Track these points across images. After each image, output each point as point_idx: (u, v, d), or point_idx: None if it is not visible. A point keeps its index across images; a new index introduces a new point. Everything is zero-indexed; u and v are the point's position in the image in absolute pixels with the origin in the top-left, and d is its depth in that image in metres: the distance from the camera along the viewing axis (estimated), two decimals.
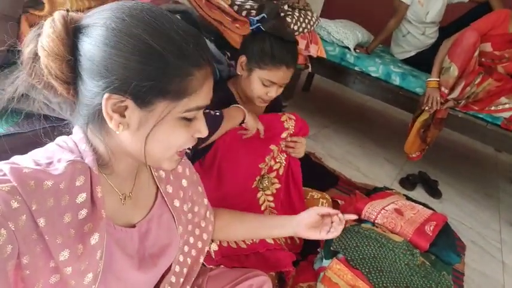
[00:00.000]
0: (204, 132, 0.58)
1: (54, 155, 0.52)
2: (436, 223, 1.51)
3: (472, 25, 2.01)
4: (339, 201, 1.66)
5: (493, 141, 2.19)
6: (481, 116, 2.13)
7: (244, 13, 1.58)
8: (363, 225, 1.43)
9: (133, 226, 0.63)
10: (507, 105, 2.02)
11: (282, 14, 1.70)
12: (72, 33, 0.50)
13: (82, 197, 0.51)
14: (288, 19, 1.71)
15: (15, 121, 0.90)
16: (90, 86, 0.50)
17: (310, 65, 2.16)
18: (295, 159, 1.39)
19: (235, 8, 1.58)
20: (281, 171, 1.35)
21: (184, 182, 0.78)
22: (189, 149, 1.02)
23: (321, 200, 1.48)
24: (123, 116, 0.51)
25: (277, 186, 1.36)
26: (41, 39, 0.49)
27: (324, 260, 1.25)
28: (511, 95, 2.02)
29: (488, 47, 2.03)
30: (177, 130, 0.54)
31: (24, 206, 0.45)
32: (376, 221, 1.47)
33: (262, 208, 1.33)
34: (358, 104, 3.72)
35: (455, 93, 2.05)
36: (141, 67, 0.48)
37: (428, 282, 1.19)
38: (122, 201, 0.62)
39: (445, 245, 1.49)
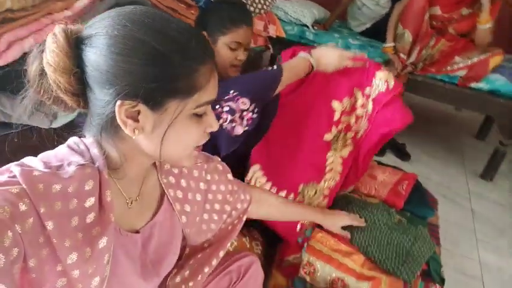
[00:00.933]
0: (214, 126, 0.59)
1: (65, 157, 0.53)
2: (407, 182, 1.58)
3: None
4: None
5: (452, 100, 2.30)
6: (438, 77, 2.22)
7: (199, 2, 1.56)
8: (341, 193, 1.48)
9: (137, 231, 0.64)
10: (461, 64, 2.12)
11: None
12: (75, 45, 0.50)
13: (90, 201, 0.52)
14: (244, 0, 1.70)
15: None
16: (101, 96, 0.51)
17: (271, 46, 2.17)
18: (379, 130, 1.32)
19: None
20: (359, 135, 1.34)
21: (201, 185, 0.78)
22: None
23: None
24: (136, 120, 0.52)
25: (350, 148, 1.36)
26: (45, 56, 0.49)
27: (306, 231, 1.28)
28: (464, 54, 2.12)
29: (437, 10, 2.11)
30: (190, 127, 0.56)
31: (32, 209, 0.45)
32: None
33: (327, 177, 1.32)
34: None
35: (413, 58, 2.12)
36: (148, 70, 0.49)
37: (407, 237, 1.24)
38: (128, 205, 0.62)
39: (418, 201, 1.56)
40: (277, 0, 2.52)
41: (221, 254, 0.84)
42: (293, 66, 1.13)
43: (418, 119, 3.13)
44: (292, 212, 1.06)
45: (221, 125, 1.01)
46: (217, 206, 0.82)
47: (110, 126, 0.53)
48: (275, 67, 1.09)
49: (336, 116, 1.32)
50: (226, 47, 1.20)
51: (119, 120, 0.51)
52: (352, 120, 1.35)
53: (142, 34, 0.49)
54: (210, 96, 0.56)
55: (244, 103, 1.01)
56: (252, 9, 1.77)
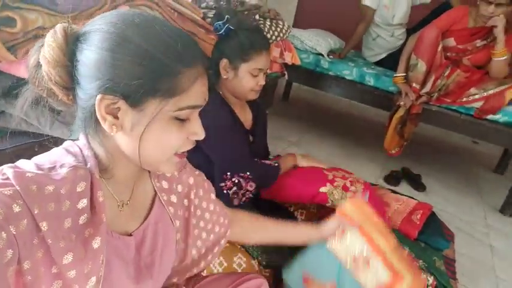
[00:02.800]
0: (200, 134, 0.58)
1: (58, 159, 0.53)
2: (422, 212, 1.55)
3: (433, 22, 2.11)
4: None
5: (468, 131, 2.26)
6: (454, 108, 2.21)
7: (219, 30, 1.63)
8: None
9: (130, 235, 0.63)
10: (477, 96, 2.11)
11: (254, 23, 1.75)
12: (72, 42, 0.52)
13: (83, 202, 0.52)
14: (261, 27, 1.76)
15: None
16: (85, 89, 0.52)
17: (286, 73, 2.22)
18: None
19: (208, 20, 1.62)
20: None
21: (192, 194, 0.78)
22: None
23: None
24: (116, 117, 0.53)
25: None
26: (43, 50, 0.52)
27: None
28: (479, 86, 2.11)
29: (451, 41, 2.13)
30: (170, 130, 0.55)
31: (26, 210, 0.45)
32: None
33: None
34: (336, 110, 3.80)
35: (427, 88, 2.13)
36: (131, 67, 0.50)
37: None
38: (119, 207, 0.62)
39: (433, 232, 1.52)
40: (294, 29, 2.61)
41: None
42: (286, 162, 1.42)
43: (434, 150, 3.14)
44: (281, 231, 0.97)
45: (223, 189, 1.24)
46: (201, 224, 0.81)
47: (93, 121, 0.54)
48: (276, 163, 1.36)
49: (330, 176, 1.36)
50: (248, 74, 1.24)
51: (98, 115, 0.52)
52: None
53: (130, 32, 0.51)
54: (194, 102, 0.55)
55: (251, 186, 1.26)
56: (268, 36, 1.82)
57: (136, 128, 0.53)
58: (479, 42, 2.10)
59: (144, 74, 0.51)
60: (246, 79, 1.24)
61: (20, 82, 0.91)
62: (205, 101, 0.57)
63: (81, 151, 0.56)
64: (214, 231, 0.85)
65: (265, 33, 1.78)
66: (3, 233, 0.42)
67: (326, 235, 0.98)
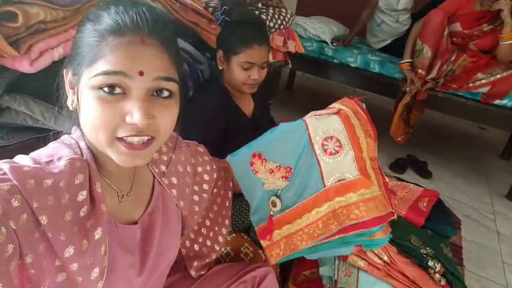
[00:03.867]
0: (135, 116, 0.48)
1: (56, 152, 0.53)
2: (428, 199, 1.54)
3: (439, 6, 2.08)
4: None
5: (475, 117, 2.24)
6: (460, 93, 2.19)
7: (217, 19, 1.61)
8: None
9: (136, 223, 0.63)
10: (484, 81, 2.08)
11: (257, 12, 1.73)
12: None
13: (83, 194, 0.51)
14: (263, 16, 1.74)
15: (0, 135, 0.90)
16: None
17: (290, 62, 2.19)
18: None
19: (210, 10, 1.61)
20: None
21: (188, 168, 0.80)
22: None
23: None
24: (74, 93, 0.53)
25: None
26: None
27: None
28: (486, 70, 2.08)
29: (457, 26, 2.10)
30: (96, 105, 0.48)
31: (25, 204, 0.45)
32: None
33: None
34: (340, 98, 3.77)
35: (433, 73, 2.10)
36: (78, 40, 0.52)
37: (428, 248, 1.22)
38: (119, 198, 0.61)
39: (440, 219, 1.51)
40: (296, 17, 2.58)
41: (227, 222, 0.91)
42: None
43: (440, 137, 3.12)
44: None
45: None
46: (205, 186, 0.84)
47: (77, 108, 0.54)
48: None
49: None
50: (239, 66, 1.22)
51: (66, 91, 0.54)
52: None
53: (92, 9, 0.52)
54: (111, 67, 0.48)
55: None
56: (271, 24, 1.80)
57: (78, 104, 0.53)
58: (486, 27, 2.06)
59: (78, 44, 0.51)
60: (237, 72, 1.22)
61: (24, 77, 0.92)
62: (139, 73, 0.49)
63: (77, 143, 0.55)
64: (218, 184, 0.90)
65: (268, 21, 1.76)
66: (3, 228, 0.42)
67: None
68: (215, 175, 0.88)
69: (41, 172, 0.48)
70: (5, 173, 0.46)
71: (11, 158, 0.50)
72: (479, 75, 2.08)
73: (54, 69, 0.57)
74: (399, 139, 2.34)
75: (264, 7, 1.82)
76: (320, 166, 0.84)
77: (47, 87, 0.62)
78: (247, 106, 1.40)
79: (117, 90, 0.49)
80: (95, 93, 0.48)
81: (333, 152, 0.84)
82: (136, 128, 0.49)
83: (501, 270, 1.65)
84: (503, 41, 2.03)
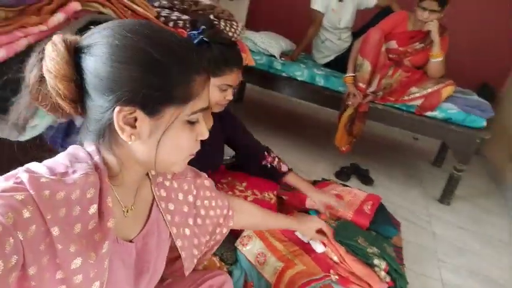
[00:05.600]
0: (205, 134, 0.61)
1: (70, 165, 0.53)
2: (372, 202, 1.65)
3: (377, 25, 2.26)
4: (284, 196, 1.72)
5: (411, 127, 2.44)
6: (397, 106, 2.38)
7: (171, 24, 1.61)
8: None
9: (131, 241, 0.64)
10: (417, 94, 2.29)
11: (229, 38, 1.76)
12: (74, 53, 0.52)
13: (94, 207, 0.53)
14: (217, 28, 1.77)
15: None
16: (100, 102, 0.52)
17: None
18: None
19: (162, 19, 1.61)
20: None
21: (190, 198, 0.80)
22: None
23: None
24: (134, 127, 0.54)
25: None
26: (46, 63, 0.51)
27: None
28: (419, 85, 2.30)
29: (393, 44, 2.29)
30: (184, 134, 0.57)
31: (35, 216, 0.45)
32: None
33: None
34: (289, 110, 3.90)
35: (373, 87, 2.27)
36: (147, 77, 0.51)
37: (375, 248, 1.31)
38: (124, 213, 0.62)
39: (383, 221, 1.62)
40: (246, 31, 2.65)
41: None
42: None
43: (380, 147, 3.33)
44: (270, 221, 1.08)
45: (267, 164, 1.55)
46: (202, 221, 0.83)
47: (108, 132, 0.55)
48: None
49: None
50: (217, 88, 1.19)
51: (116, 127, 0.52)
52: None
53: (142, 44, 0.52)
54: (204, 104, 0.58)
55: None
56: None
57: (154, 135, 0.55)
58: (417, 45, 2.28)
59: (160, 84, 0.52)
60: (214, 93, 1.20)
61: None
62: (208, 102, 0.61)
63: (91, 156, 0.56)
64: (220, 223, 0.89)
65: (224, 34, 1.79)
66: (10, 238, 0.41)
67: (304, 228, 1.18)
68: (216, 212, 0.87)
69: (56, 184, 0.49)
70: (21, 182, 0.46)
71: None
72: (413, 89, 2.28)
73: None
74: (343, 149, 2.48)
75: (216, 19, 1.85)
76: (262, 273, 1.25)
77: None
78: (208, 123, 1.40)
79: None
80: (186, 126, 0.57)
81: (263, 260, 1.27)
82: (199, 144, 0.63)
83: (436, 267, 1.79)
84: (433, 58, 2.26)
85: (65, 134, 1.05)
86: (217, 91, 1.20)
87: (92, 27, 1.17)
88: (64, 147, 0.60)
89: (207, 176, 0.88)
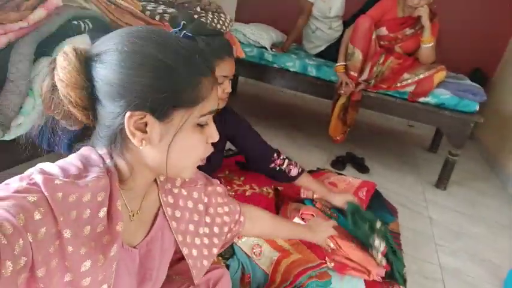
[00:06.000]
0: (215, 136, 0.61)
1: (82, 167, 0.54)
2: (367, 189, 1.65)
3: (366, 13, 2.25)
4: (279, 187, 1.72)
5: (404, 114, 2.43)
6: (390, 93, 2.37)
7: (157, 17, 1.59)
8: (304, 206, 1.51)
9: (135, 247, 0.64)
10: (409, 80, 2.28)
11: (196, 16, 1.74)
12: (85, 62, 0.53)
13: (104, 211, 0.53)
14: (202, 20, 1.76)
15: None
16: (111, 108, 0.53)
17: None
18: None
19: (148, 13, 1.58)
20: None
21: (200, 207, 0.78)
22: None
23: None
24: (144, 131, 0.54)
25: None
26: (57, 73, 0.52)
27: None
28: (411, 71, 2.28)
29: (383, 30, 2.28)
30: (194, 137, 0.58)
31: (47, 218, 0.45)
32: (314, 197, 1.56)
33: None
34: (282, 102, 3.89)
35: (365, 75, 2.26)
36: (156, 82, 0.52)
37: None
38: (130, 218, 0.63)
39: (378, 207, 1.63)
40: (236, 24, 2.63)
41: (215, 251, 0.85)
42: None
43: (375, 135, 3.33)
44: (283, 230, 1.07)
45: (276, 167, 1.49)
46: (216, 230, 0.82)
47: (119, 137, 0.55)
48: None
49: None
50: None
51: (127, 132, 0.53)
52: None
53: (150, 49, 0.52)
54: (213, 106, 0.59)
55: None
56: (211, 28, 1.82)
57: (164, 139, 0.56)
58: (408, 31, 2.26)
59: (168, 87, 0.53)
60: None
61: None
62: (218, 104, 0.61)
63: (103, 160, 0.56)
64: (232, 229, 0.87)
65: (207, 25, 1.77)
66: (20, 239, 0.41)
67: (317, 238, 1.15)
68: (229, 218, 0.85)
69: (69, 186, 0.49)
70: (35, 183, 0.47)
71: None
72: (405, 75, 2.27)
73: None
74: (338, 138, 2.47)
75: (203, 11, 1.83)
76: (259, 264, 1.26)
77: None
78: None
79: None
80: (196, 128, 0.57)
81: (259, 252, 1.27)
82: (212, 147, 0.63)
83: (434, 252, 1.79)
84: (424, 43, 2.24)
85: (51, 132, 1.03)
86: None
87: (74, 22, 1.15)
88: (51, 146, 0.60)
89: (219, 182, 0.86)
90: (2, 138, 0.93)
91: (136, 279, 0.64)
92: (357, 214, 1.37)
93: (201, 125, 0.58)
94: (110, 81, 0.52)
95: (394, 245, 1.33)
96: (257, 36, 2.68)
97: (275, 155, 1.51)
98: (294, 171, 1.50)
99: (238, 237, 1.27)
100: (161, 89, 0.52)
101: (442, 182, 2.44)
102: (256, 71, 2.71)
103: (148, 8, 1.60)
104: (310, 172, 1.97)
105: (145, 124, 0.54)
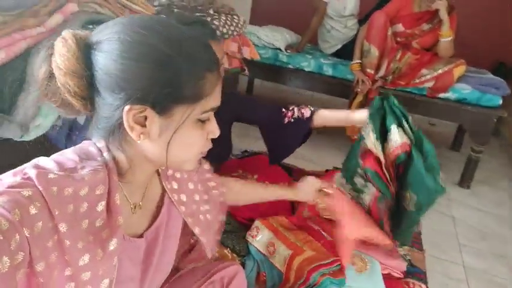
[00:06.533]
0: (216, 132, 0.60)
1: (79, 161, 0.53)
2: None
3: (381, 9, 2.21)
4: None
5: (423, 111, 2.37)
6: (408, 89, 2.32)
7: None
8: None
9: (141, 236, 0.63)
10: (428, 76, 2.23)
11: (209, 18, 1.76)
12: (84, 49, 0.50)
13: (102, 204, 0.52)
14: (216, 22, 1.77)
15: None
16: (109, 100, 0.51)
17: (246, 68, 2.23)
18: None
19: None
20: None
21: (199, 186, 0.81)
22: None
23: None
24: (143, 125, 0.52)
25: None
26: (55, 59, 0.49)
27: None
28: (429, 66, 2.23)
29: (400, 27, 2.24)
30: (195, 132, 0.56)
31: (42, 212, 0.44)
32: None
33: None
34: (299, 103, 3.86)
35: (382, 72, 2.22)
36: (158, 75, 0.50)
37: None
38: (132, 210, 0.62)
39: None
40: (250, 26, 2.64)
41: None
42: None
43: None
44: (261, 192, 1.09)
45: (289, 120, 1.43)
46: (212, 204, 0.84)
47: (117, 130, 0.53)
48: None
49: None
50: None
51: (126, 125, 0.51)
52: None
53: (154, 40, 0.50)
54: (216, 103, 0.57)
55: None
56: (224, 31, 1.83)
57: (164, 134, 0.54)
58: (425, 26, 2.22)
59: (171, 82, 0.50)
60: None
61: None
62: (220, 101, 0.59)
63: (101, 153, 0.55)
64: (221, 201, 0.91)
65: (220, 27, 1.79)
66: (17, 235, 0.41)
67: (302, 195, 1.13)
68: (217, 192, 0.89)
69: (64, 180, 0.48)
70: (29, 178, 0.45)
71: None
72: (424, 71, 2.22)
73: None
74: (356, 137, 2.43)
75: (216, 14, 1.85)
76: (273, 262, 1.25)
77: None
78: None
79: None
80: (196, 125, 0.55)
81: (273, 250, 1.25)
82: (210, 143, 0.61)
83: (458, 252, 1.74)
84: (442, 38, 2.19)
85: (68, 132, 1.06)
86: None
87: (90, 26, 1.19)
88: (67, 146, 0.59)
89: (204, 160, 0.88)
90: (21, 139, 0.96)
91: (141, 268, 0.64)
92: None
93: (202, 121, 0.56)
94: (110, 71, 0.49)
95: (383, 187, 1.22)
96: (271, 38, 2.68)
97: (283, 109, 1.48)
98: (306, 112, 1.45)
99: (252, 236, 1.27)
100: (163, 82, 0.50)
101: (465, 181, 2.36)
102: (271, 73, 2.71)
103: (161, 12, 1.63)
104: (326, 171, 1.94)
105: (145, 118, 0.52)
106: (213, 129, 0.59)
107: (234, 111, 1.46)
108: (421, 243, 1.67)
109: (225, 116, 1.46)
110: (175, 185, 0.72)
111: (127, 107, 0.50)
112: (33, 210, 0.43)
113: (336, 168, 2.03)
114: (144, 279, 0.64)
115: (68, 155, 0.53)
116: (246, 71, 2.28)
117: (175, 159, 0.57)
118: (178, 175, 0.74)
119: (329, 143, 2.73)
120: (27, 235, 0.42)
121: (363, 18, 2.71)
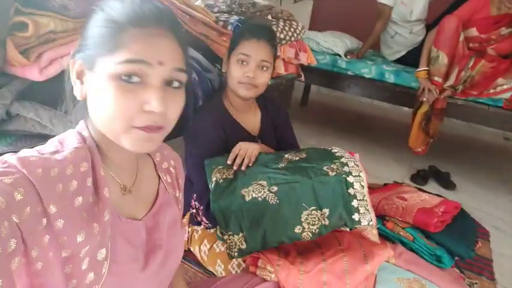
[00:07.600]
0: (152, 103, 0.50)
1: (61, 143, 0.54)
2: (445, 207, 1.45)
3: (453, 12, 2.04)
4: None
5: (497, 124, 2.14)
6: (481, 100, 2.11)
7: (229, 27, 1.63)
8: None
9: (140, 220, 0.63)
10: (505, 86, 2.00)
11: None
12: None
13: (89, 181, 0.52)
14: (273, 28, 1.75)
15: (8, 142, 0.91)
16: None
17: (302, 74, 2.19)
18: None
19: (221, 23, 1.63)
20: None
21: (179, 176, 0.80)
22: None
23: None
24: (82, 83, 0.55)
25: None
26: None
27: None
28: (507, 75, 2.01)
29: (473, 31, 2.05)
30: (116, 93, 0.50)
31: (29, 197, 0.44)
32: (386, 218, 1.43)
33: None
34: (357, 112, 3.72)
35: (451, 81, 2.04)
36: (90, 30, 0.53)
37: None
38: (122, 191, 0.61)
39: (459, 236, 1.41)
40: (309, 32, 2.59)
41: None
42: None
43: (463, 148, 3.02)
44: None
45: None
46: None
47: (84, 105, 0.56)
48: None
49: None
50: (236, 62, 1.19)
51: (72, 81, 0.55)
52: None
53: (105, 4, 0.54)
54: (134, 55, 0.50)
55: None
56: (282, 36, 1.81)
57: (93, 92, 0.53)
58: (504, 30, 2.01)
59: (97, 34, 0.52)
60: (234, 69, 1.19)
61: (33, 85, 0.94)
62: (158, 62, 0.51)
63: (80, 133, 0.56)
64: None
65: (278, 33, 1.76)
66: (5, 222, 0.41)
67: None
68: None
69: (47, 162, 0.48)
70: (8, 166, 0.45)
71: None
72: (500, 80, 2.01)
73: (64, 78, 0.59)
74: (419, 150, 2.27)
75: (274, 20, 1.83)
76: None
77: (55, 95, 0.65)
78: (251, 123, 1.36)
79: (135, 79, 0.51)
80: (113, 81, 0.50)
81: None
82: (151, 118, 0.52)
83: None
84: None
85: None
86: (236, 65, 1.19)
87: None
88: None
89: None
90: None
91: (144, 250, 0.62)
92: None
93: (126, 81, 0.50)
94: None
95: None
96: (331, 44, 2.61)
97: None
98: None
99: None
100: (92, 36, 0.52)
101: None
102: (328, 79, 2.63)
103: (221, 18, 1.64)
104: (385, 185, 1.82)
105: (84, 74, 0.54)
106: (148, 99, 0.51)
107: (273, 121, 1.46)
108: (492, 272, 1.50)
109: (268, 119, 1.42)
110: (169, 179, 0.73)
111: (71, 61, 0.54)
112: (18, 196, 0.43)
113: (396, 183, 1.90)
114: (148, 261, 0.62)
115: (49, 143, 0.54)
116: (302, 77, 2.23)
117: (105, 126, 0.53)
118: (172, 170, 0.74)
119: (391, 156, 2.58)
120: (17, 221, 0.42)
121: (431, 24, 2.54)
